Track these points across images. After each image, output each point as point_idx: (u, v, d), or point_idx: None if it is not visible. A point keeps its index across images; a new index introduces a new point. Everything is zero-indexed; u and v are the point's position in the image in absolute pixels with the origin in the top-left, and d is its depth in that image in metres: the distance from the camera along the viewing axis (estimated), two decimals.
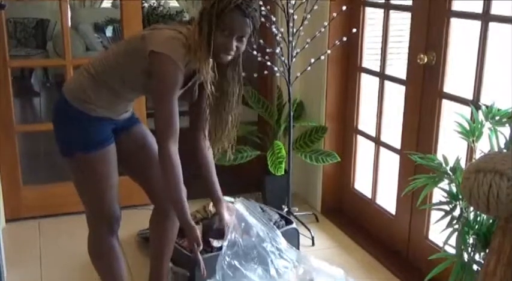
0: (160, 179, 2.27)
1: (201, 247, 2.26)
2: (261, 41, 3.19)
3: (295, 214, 3.49)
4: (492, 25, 2.46)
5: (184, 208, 2.21)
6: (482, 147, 2.07)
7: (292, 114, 3.41)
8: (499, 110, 2.07)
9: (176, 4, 8.58)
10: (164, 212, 2.50)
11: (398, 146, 3.13)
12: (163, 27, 2.22)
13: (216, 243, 2.76)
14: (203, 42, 2.09)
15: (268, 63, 3.29)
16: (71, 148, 2.28)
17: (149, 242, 2.72)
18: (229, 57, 2.16)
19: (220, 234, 2.65)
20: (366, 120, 3.55)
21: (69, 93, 2.27)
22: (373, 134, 3.38)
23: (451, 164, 2.11)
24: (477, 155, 2.07)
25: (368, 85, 3.49)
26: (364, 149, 3.58)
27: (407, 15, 2.99)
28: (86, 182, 2.33)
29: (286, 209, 3.48)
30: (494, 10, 2.46)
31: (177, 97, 2.16)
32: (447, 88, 2.76)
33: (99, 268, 2.45)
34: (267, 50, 3.26)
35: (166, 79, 2.12)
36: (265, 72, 3.39)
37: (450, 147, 2.71)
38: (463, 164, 2.12)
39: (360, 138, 3.56)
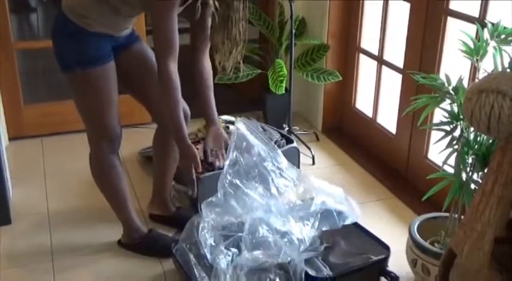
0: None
1: (200, 169, 2.28)
2: None
3: (295, 133, 3.51)
4: None
5: (181, 127, 2.22)
6: (486, 66, 2.05)
7: (293, 31, 3.35)
8: (505, 28, 2.02)
9: None
10: (167, 131, 2.51)
11: (401, 65, 3.10)
12: None
13: (217, 162, 2.78)
14: None
15: None
16: (70, 63, 2.26)
17: (152, 160, 2.76)
18: None
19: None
20: (368, 39, 3.49)
21: (68, 9, 2.22)
22: (375, 52, 3.34)
23: (453, 84, 2.09)
24: (480, 74, 2.05)
25: (372, 2, 3.41)
26: (366, 68, 3.55)
27: None
28: (86, 99, 2.32)
29: (287, 128, 3.49)
30: None
31: (176, 14, 2.12)
32: (453, 5, 2.69)
33: (101, 186, 2.50)
34: None
35: None
36: None
37: (454, 66, 2.68)
38: (465, 84, 2.10)
39: (362, 57, 3.51)
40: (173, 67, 2.14)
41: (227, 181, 2.31)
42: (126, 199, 2.52)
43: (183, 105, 2.43)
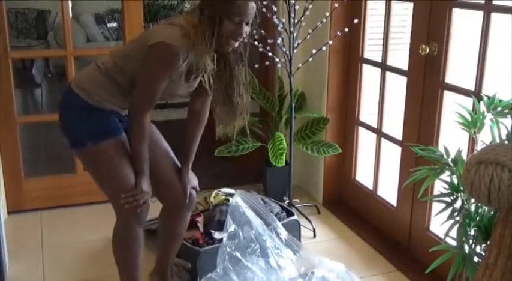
0: (170, 171, 2.34)
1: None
2: (263, 31, 3.18)
3: (296, 205, 3.49)
4: (494, 15, 2.44)
5: (141, 159, 2.28)
6: (484, 138, 2.07)
7: (293, 105, 3.40)
8: (500, 101, 2.06)
9: None
10: (174, 207, 2.49)
11: (399, 137, 3.12)
12: (161, 22, 2.27)
13: (217, 235, 2.76)
14: (206, 33, 2.11)
15: (270, 54, 3.28)
16: (80, 138, 2.28)
17: (152, 233, 2.72)
18: (236, 44, 2.19)
19: (222, 226, 2.65)
20: (367, 112, 3.54)
21: (78, 86, 2.28)
22: (374, 125, 3.37)
23: (452, 155, 2.10)
24: (479, 146, 2.07)
25: (370, 76, 3.48)
26: (365, 140, 3.57)
27: (409, 6, 2.98)
28: (104, 172, 2.31)
29: (287, 201, 3.47)
30: (497, 0, 2.44)
31: (164, 84, 2.18)
32: (449, 79, 2.75)
33: (120, 258, 2.41)
34: (268, 41, 3.24)
35: (161, 60, 2.14)
36: (267, 63, 3.38)
37: (452, 138, 2.70)
38: (464, 155, 2.11)
39: (361, 129, 3.55)
40: (146, 118, 2.26)
41: (227, 254, 2.28)
42: (138, 276, 2.43)
43: (191, 180, 2.45)
